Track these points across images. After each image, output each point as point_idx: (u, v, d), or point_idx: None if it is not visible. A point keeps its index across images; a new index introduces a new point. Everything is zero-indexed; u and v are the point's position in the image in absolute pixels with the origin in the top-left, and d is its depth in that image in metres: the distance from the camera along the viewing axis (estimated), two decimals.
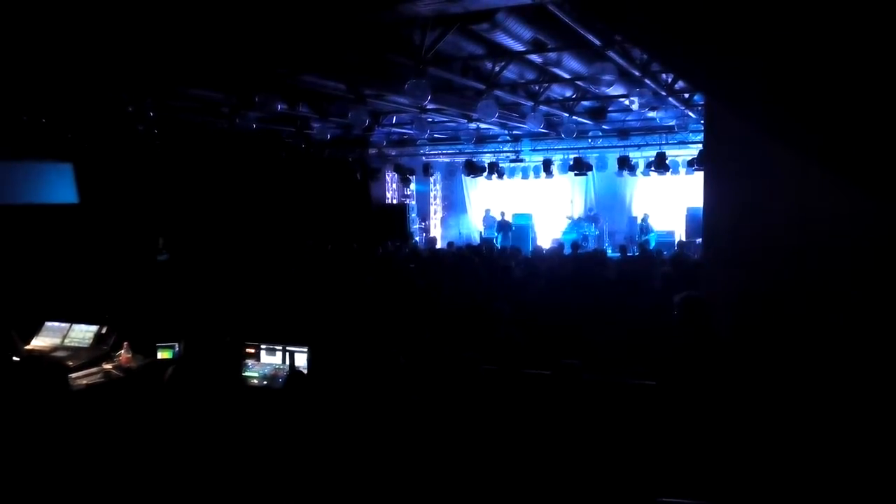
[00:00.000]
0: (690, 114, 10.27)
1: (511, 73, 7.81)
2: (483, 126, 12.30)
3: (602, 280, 7.82)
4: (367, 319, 5.90)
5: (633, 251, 13.11)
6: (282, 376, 4.70)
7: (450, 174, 18.24)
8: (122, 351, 5.15)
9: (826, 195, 3.69)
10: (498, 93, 8.40)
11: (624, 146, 13.78)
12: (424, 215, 18.68)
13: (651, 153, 13.47)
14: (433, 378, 4.25)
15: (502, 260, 9.96)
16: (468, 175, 15.78)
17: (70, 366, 4.89)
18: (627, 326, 5.48)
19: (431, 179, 17.84)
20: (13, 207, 10.21)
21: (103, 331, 5.43)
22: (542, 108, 9.45)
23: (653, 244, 13.76)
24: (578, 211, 16.99)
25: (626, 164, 13.68)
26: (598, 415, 3.90)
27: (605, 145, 14.25)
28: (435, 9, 4.76)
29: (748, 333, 3.89)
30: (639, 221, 15.46)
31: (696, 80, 5.42)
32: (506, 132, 13.85)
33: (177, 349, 5.06)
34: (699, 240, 10.63)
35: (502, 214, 16.55)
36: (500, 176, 15.49)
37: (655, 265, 8.97)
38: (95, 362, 5.06)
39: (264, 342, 4.97)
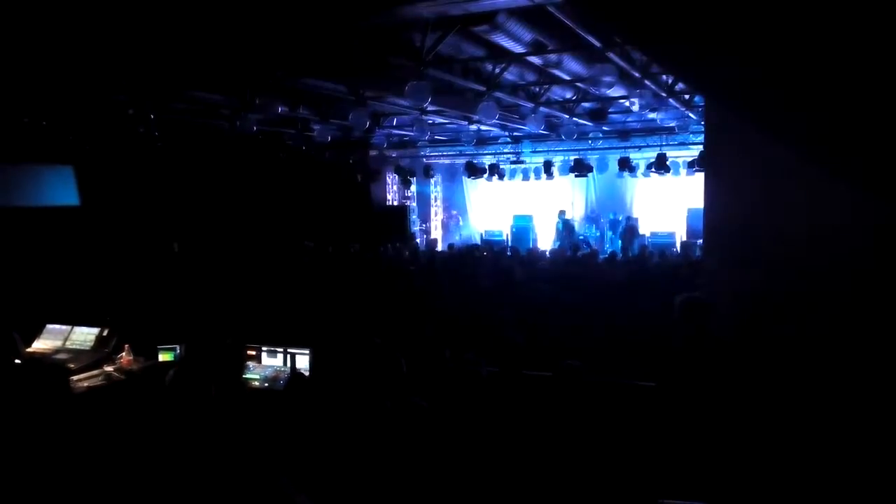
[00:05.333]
0: (691, 115, 10.27)
1: (511, 74, 7.81)
2: (483, 128, 12.31)
3: (601, 282, 7.82)
4: (367, 321, 5.90)
5: (625, 255, 13.11)
6: (283, 378, 4.71)
7: (450, 176, 18.24)
8: (124, 353, 5.16)
9: (826, 195, 3.69)
10: (498, 94, 8.40)
11: (624, 147, 13.78)
12: (425, 217, 18.67)
13: (651, 154, 13.48)
14: (435, 380, 4.25)
15: (504, 261, 9.97)
16: (469, 176, 15.78)
17: (71, 368, 4.89)
18: (628, 328, 5.48)
19: (432, 181, 17.84)
20: (14, 210, 10.22)
21: (104, 333, 5.44)
22: (543, 109, 9.46)
23: (636, 249, 13.76)
24: (579, 212, 16.96)
25: (626, 166, 13.69)
26: (600, 416, 3.90)
27: (606, 146, 14.25)
28: (436, 11, 4.76)
29: (748, 334, 3.88)
30: (627, 223, 15.22)
31: (695, 82, 5.43)
32: (506, 134, 13.85)
33: (178, 351, 5.07)
34: (700, 241, 10.63)
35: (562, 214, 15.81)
36: (501, 177, 15.49)
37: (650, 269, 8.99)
38: (96, 364, 5.07)
39: (265, 344, 4.98)
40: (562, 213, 15.87)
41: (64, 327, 5.59)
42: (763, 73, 2.96)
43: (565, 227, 15.36)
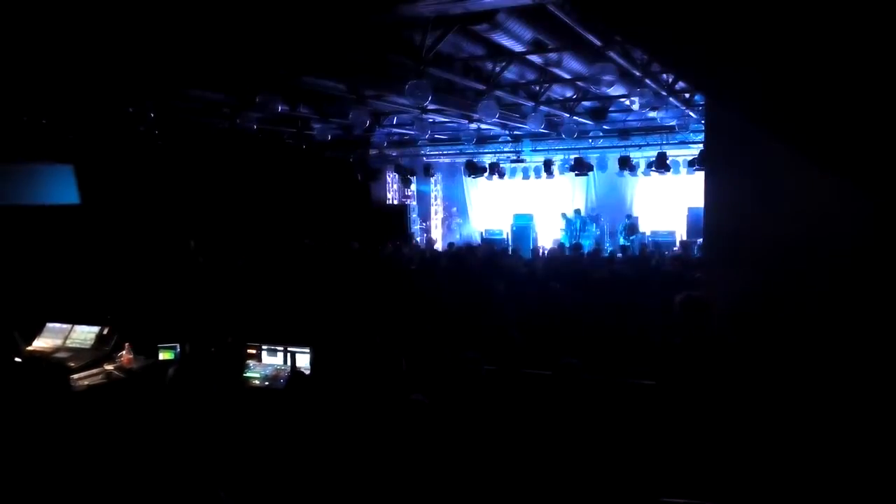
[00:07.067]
0: (691, 113, 10.26)
1: (511, 73, 7.81)
2: (484, 126, 12.30)
3: (602, 280, 7.82)
4: (368, 320, 5.90)
5: (634, 251, 13.14)
6: (283, 377, 4.71)
7: (451, 175, 18.23)
8: (124, 352, 5.17)
9: (826, 195, 3.69)
10: (498, 93, 8.39)
11: (625, 146, 13.77)
12: (425, 216, 18.67)
13: (652, 153, 13.47)
14: (434, 378, 4.25)
15: (505, 259, 9.97)
16: (469, 175, 15.77)
17: (71, 367, 4.90)
18: (627, 326, 5.48)
19: (432, 180, 17.83)
20: (15, 208, 10.22)
21: (105, 332, 5.45)
22: (543, 108, 9.44)
23: (637, 247, 13.80)
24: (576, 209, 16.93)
25: (626, 164, 13.68)
26: (599, 415, 3.91)
27: (606, 145, 14.24)
28: (436, 10, 4.76)
29: (748, 333, 3.89)
30: (628, 222, 15.38)
31: (696, 81, 5.42)
32: (506, 132, 13.84)
33: (178, 350, 5.07)
34: (700, 240, 10.63)
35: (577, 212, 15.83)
36: (501, 176, 15.48)
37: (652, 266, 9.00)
38: (97, 363, 5.08)
39: (265, 343, 4.98)
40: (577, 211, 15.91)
41: (64, 326, 5.60)
42: (763, 71, 2.96)
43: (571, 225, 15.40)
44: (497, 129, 13.28)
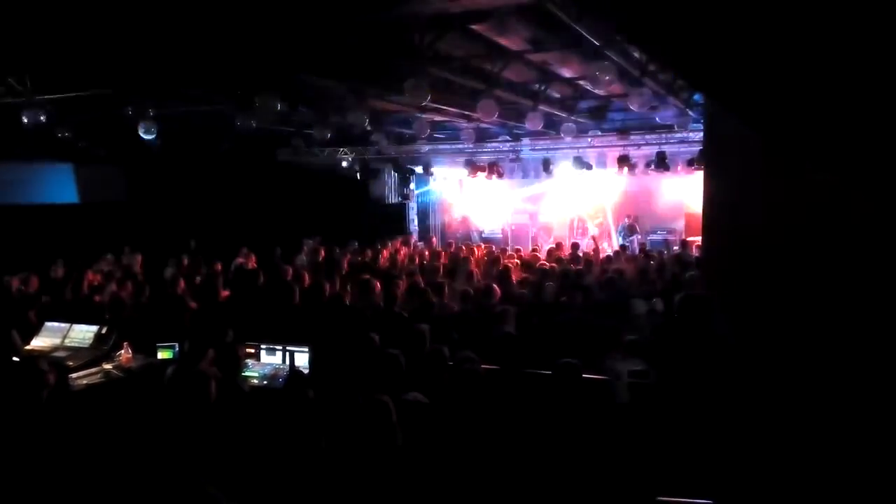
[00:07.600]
0: (690, 112, 10.26)
1: (510, 72, 7.80)
2: (482, 125, 12.29)
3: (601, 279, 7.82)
4: (366, 319, 5.89)
5: (634, 250, 13.15)
6: (282, 376, 4.70)
7: (449, 173, 18.22)
8: (123, 351, 5.16)
9: (827, 194, 3.68)
10: (498, 92, 8.39)
11: (623, 145, 13.75)
12: (424, 215, 18.64)
13: (651, 152, 13.45)
14: (434, 378, 4.24)
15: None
16: (468, 174, 15.76)
17: (70, 366, 4.89)
18: (626, 325, 5.47)
19: (431, 179, 17.80)
20: (14, 207, 10.23)
21: (103, 331, 5.45)
22: (542, 107, 9.45)
23: (636, 247, 13.83)
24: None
25: (625, 163, 13.66)
26: (598, 414, 3.91)
27: (605, 144, 14.20)
28: (435, 9, 4.76)
29: (748, 333, 3.89)
30: (627, 222, 15.40)
31: (695, 80, 5.42)
32: (505, 131, 13.83)
33: (177, 349, 5.06)
34: (699, 238, 10.63)
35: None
36: (500, 175, 15.46)
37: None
38: (95, 362, 5.07)
39: (264, 342, 4.98)
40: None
41: (63, 325, 5.60)
42: (763, 69, 2.96)
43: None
44: (496, 128, 13.27)
